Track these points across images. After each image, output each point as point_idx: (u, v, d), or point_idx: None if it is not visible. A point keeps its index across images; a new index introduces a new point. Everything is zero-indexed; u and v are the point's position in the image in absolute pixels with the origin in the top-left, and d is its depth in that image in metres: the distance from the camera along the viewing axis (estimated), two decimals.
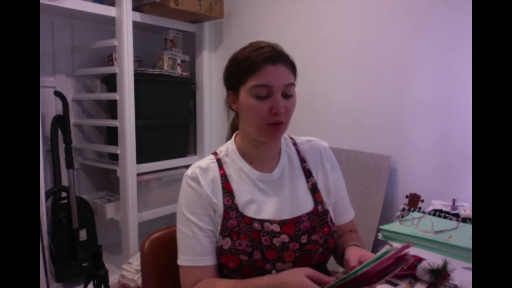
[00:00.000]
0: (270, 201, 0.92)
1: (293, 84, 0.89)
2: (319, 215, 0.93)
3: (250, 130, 0.91)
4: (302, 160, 0.99)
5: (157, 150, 2.32)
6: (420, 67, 1.73)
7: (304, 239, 0.89)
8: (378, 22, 1.84)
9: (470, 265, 0.94)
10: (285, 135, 1.02)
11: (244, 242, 0.86)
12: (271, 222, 0.89)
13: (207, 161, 0.95)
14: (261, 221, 0.88)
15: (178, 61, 2.39)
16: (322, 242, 0.91)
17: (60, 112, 2.15)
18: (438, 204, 1.47)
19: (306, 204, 0.94)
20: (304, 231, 0.89)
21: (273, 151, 0.97)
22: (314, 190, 0.96)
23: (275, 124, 0.87)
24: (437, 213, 1.35)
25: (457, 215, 1.32)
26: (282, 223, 0.89)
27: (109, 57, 2.33)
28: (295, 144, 1.02)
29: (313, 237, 0.90)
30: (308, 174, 0.98)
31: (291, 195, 0.94)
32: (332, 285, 0.72)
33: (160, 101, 2.29)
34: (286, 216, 0.91)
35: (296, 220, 0.90)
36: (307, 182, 0.97)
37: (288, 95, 0.88)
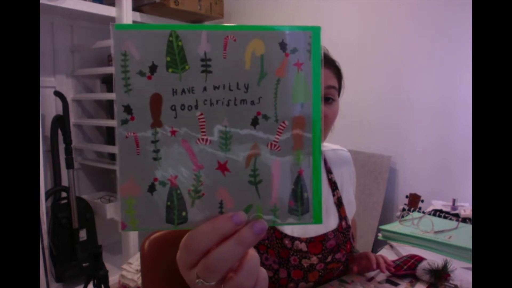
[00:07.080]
0: None
1: (334, 88, 0.81)
2: (343, 232, 0.88)
3: None
4: (329, 171, 0.94)
5: None
6: (420, 67, 1.73)
7: (329, 259, 0.85)
8: (378, 23, 1.84)
9: (470, 265, 0.94)
10: None
11: (271, 258, 0.80)
12: (300, 240, 0.83)
13: None
14: (292, 239, 0.82)
15: None
16: (343, 260, 0.87)
17: (60, 112, 2.15)
18: (438, 204, 1.47)
19: (332, 220, 0.89)
20: (330, 250, 0.85)
21: None
22: (339, 204, 0.91)
23: None
24: (437, 213, 1.35)
25: (457, 215, 1.32)
26: (308, 241, 0.83)
27: (109, 57, 2.33)
28: None
29: (337, 256, 0.86)
30: (334, 186, 0.93)
31: None
32: None
33: None
34: (311, 233, 0.85)
35: (323, 238, 0.85)
36: (333, 195, 0.92)
37: (328, 98, 0.81)
